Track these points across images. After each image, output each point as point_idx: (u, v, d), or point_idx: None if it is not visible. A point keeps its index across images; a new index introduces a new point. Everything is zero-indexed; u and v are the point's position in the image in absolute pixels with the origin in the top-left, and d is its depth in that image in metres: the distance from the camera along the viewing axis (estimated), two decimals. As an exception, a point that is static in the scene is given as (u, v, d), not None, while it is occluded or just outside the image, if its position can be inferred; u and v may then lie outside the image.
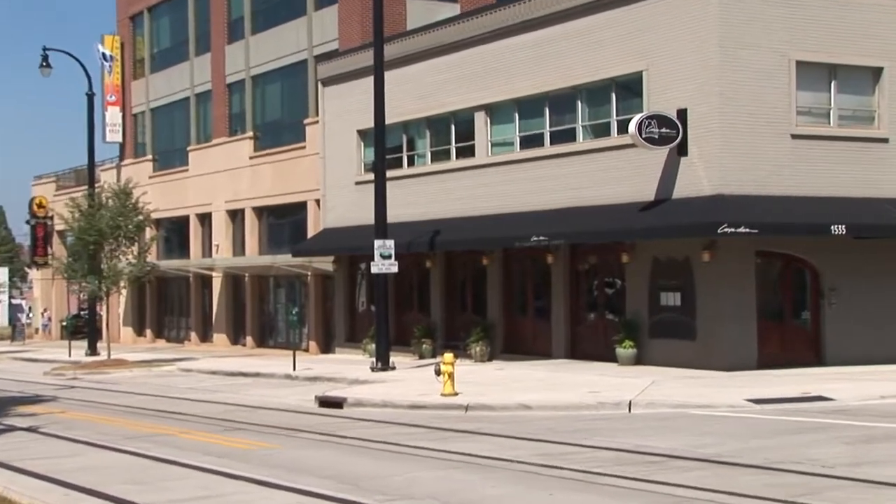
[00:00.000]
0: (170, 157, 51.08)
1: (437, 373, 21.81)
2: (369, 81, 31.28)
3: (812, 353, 26.45)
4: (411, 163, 35.19)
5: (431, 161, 34.27)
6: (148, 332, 52.17)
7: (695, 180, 25.58)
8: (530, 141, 30.72)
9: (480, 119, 32.12)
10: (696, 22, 25.56)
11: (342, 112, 37.53)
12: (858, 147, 26.41)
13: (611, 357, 27.54)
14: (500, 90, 31.18)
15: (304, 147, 40.99)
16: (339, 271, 37.94)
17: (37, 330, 62.33)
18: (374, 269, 29.34)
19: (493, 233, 30.33)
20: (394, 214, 31.84)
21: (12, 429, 19.36)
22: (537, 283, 31.18)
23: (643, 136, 25.30)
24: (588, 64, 28.39)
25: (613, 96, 28.06)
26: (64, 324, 57.17)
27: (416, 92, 34.16)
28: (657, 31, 26.44)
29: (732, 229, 24.08)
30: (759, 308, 25.78)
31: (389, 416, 19.94)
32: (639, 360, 27.04)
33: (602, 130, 28.53)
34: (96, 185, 43.56)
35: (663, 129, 25.43)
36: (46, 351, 47.19)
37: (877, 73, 26.64)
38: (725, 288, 25.44)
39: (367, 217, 32.69)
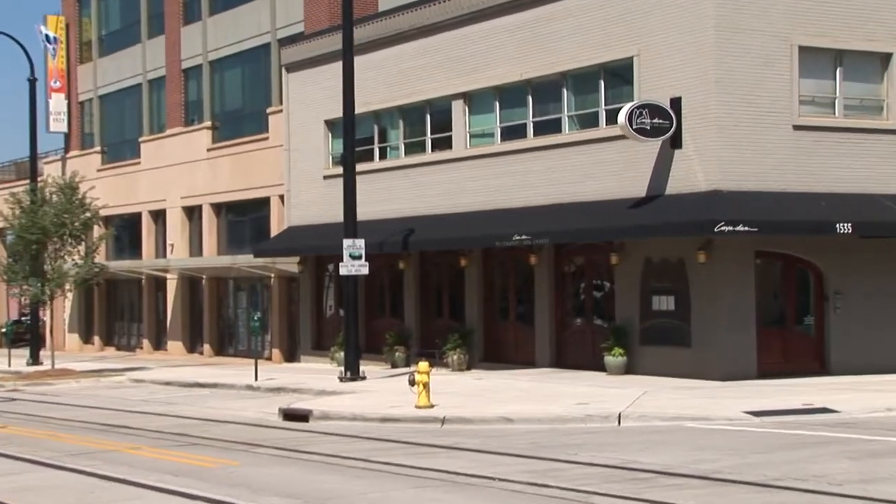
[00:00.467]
0: (120, 149, 50.85)
1: (412, 383, 21.78)
2: (338, 67, 31.21)
3: (815, 362, 26.57)
4: (383, 156, 35.15)
5: (405, 154, 34.24)
6: (96, 339, 51.91)
7: (689, 175, 25.66)
8: (512, 132, 30.73)
9: (458, 108, 32.12)
10: (691, 4, 25.64)
11: (308, 100, 37.46)
12: (866, 139, 26.55)
13: (599, 366, 27.58)
14: (479, 77, 31.19)
15: (266, 138, 40.88)
16: (304, 273, 37.87)
17: (-26, 337, 61.93)
18: (342, 271, 29.29)
19: (472, 231, 30.33)
20: (364, 211, 31.79)
21: (-53, 445, 19.21)
22: (519, 286, 31.20)
23: (634, 126, 25.35)
24: (575, 49, 28.43)
25: (602, 84, 28.11)
26: (3, 330, 56.80)
27: (388, 79, 34.13)
28: (649, 13, 26.51)
29: (730, 228, 24.16)
30: (758, 313, 25.88)
31: (359, 429, 19.90)
32: (629, 369, 27.09)
33: (589, 121, 28.57)
34: (39, 178, 43.31)
35: (655, 120, 25.49)
36: (-15, 360, 46.87)
37: (885, 59, 26.79)
38: (723, 291, 25.53)
39: (336, 214, 32.61)
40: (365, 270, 29.36)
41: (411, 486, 13.68)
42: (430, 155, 33.24)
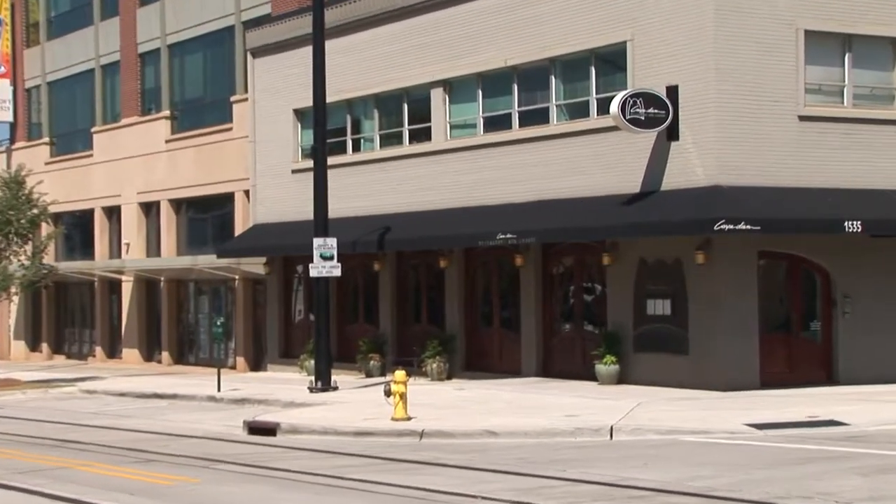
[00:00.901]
0: (71, 141, 50.66)
1: (387, 393, 21.79)
2: (307, 52, 31.18)
3: (822, 371, 26.68)
4: (357, 148, 35.14)
5: (380, 146, 34.23)
6: (44, 346, 51.69)
7: (687, 169, 25.73)
8: (496, 123, 30.76)
9: (438, 97, 32.14)
10: (690, -15, 25.74)
11: (275, 88, 37.41)
12: (877, 130, 26.67)
13: (589, 375, 27.64)
14: (460, 63, 31.21)
15: (230, 129, 40.80)
16: (271, 275, 37.81)
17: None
18: (313, 273, 29.26)
19: (453, 230, 30.35)
20: (336, 208, 31.76)
21: None
22: (504, 289, 31.23)
23: (627, 117, 25.41)
24: (564, 33, 28.48)
25: (593, 70, 28.16)
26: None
27: (362, 65, 34.12)
28: (644, -6, 26.61)
29: (731, 226, 24.23)
30: (761, 318, 25.97)
31: (331, 444, 19.89)
32: (622, 379, 27.15)
33: (580, 111, 28.62)
34: (-17, 172, 43.09)
35: (650, 110, 25.55)
36: (-77, 369, 46.67)
37: (897, 45, 26.93)
38: (723, 294, 25.61)
39: (306, 211, 32.57)
40: (337, 272, 29.33)
41: (387, 505, 13.69)
42: (407, 147, 33.23)
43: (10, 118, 53.35)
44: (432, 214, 31.64)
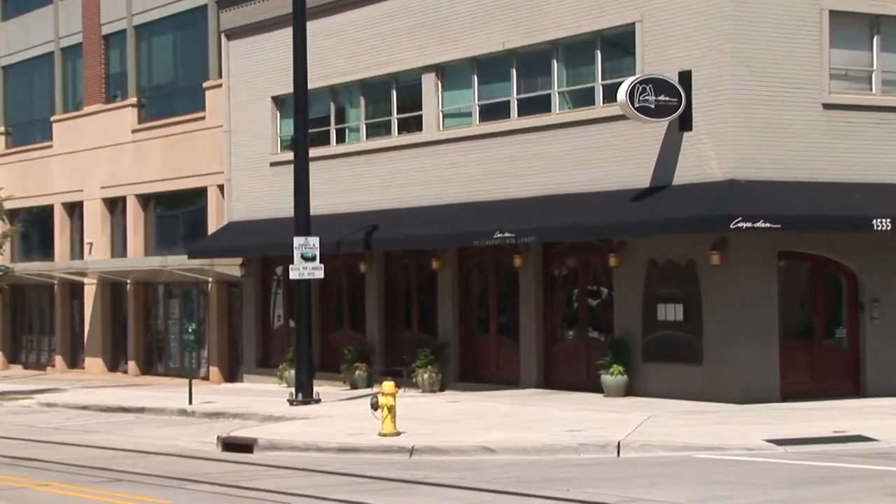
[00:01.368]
0: (28, 131, 50.59)
1: (374, 406, 21.79)
2: (288, 34, 31.17)
3: (849, 382, 26.72)
4: (341, 139, 35.13)
5: (367, 136, 34.23)
6: None
7: (701, 162, 25.76)
8: (493, 111, 30.77)
9: (429, 83, 32.14)
10: (704, -39, 25.77)
11: (253, 73, 37.40)
12: (907, 120, 26.73)
13: (595, 386, 27.66)
14: (454, 46, 31.23)
15: (203, 118, 40.77)
16: (248, 277, 37.80)
17: None
18: (293, 275, 29.25)
19: (446, 228, 30.36)
20: (319, 204, 31.75)
21: None
22: (501, 293, 31.24)
23: (635, 105, 25.43)
24: (567, 13, 28.50)
25: (598, 55, 28.18)
26: None
27: (347, 48, 34.12)
28: (654, -29, 26.65)
29: (749, 224, 24.26)
30: (781, 324, 26.00)
31: (313, 461, 19.89)
32: (630, 390, 27.18)
33: (584, 98, 28.63)
34: (-67, 165, 43.08)
35: (661, 97, 25.57)
36: None
37: (930, 26, 26.96)
38: (740, 298, 25.64)
39: (285, 207, 32.55)
40: (319, 274, 29.32)
41: (373, 528, 13.70)
42: (396, 138, 33.23)
43: (-38, 106, 53.26)
44: (423, 211, 31.64)
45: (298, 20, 29.25)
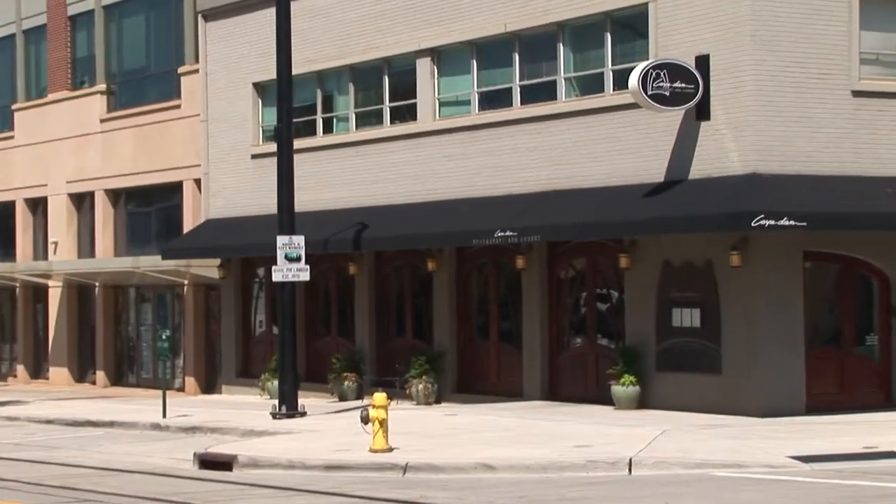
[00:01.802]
0: (-12, 120, 50.58)
1: (365, 420, 21.80)
2: (270, 14, 31.17)
3: (881, 393, 26.75)
4: (329, 129, 35.14)
5: (357, 126, 34.25)
6: (-43, 364, 51.66)
7: (720, 154, 25.78)
8: (493, 99, 30.79)
9: (425, 68, 32.16)
10: (723, -65, 25.80)
11: (232, 57, 37.40)
12: (944, 109, 26.75)
13: (604, 398, 27.69)
14: (451, 28, 31.25)
15: (178, 106, 40.77)
16: (227, 279, 37.81)
17: None
18: (276, 277, 29.25)
19: (442, 226, 30.38)
20: (305, 200, 31.76)
21: None
22: (503, 297, 31.26)
23: (649, 92, 25.45)
24: (574, -8, 28.56)
25: (608, 37, 28.20)
26: None
27: (335, 30, 34.14)
28: (669, -53, 26.68)
29: (772, 222, 24.28)
30: (807, 331, 26.03)
31: (297, 480, 19.89)
32: (643, 402, 27.21)
33: (592, 85, 28.65)
34: None
35: (676, 84, 25.60)
36: None
37: (968, 7, 26.99)
38: (762, 303, 25.66)
39: (268, 204, 32.55)
40: (305, 276, 29.32)
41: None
42: (388, 128, 33.24)
43: (-85, 93, 53.22)
44: (418, 208, 31.65)
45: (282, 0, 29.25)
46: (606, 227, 27.23)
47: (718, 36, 25.83)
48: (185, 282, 40.18)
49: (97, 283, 44.02)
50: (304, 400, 29.93)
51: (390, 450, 21.39)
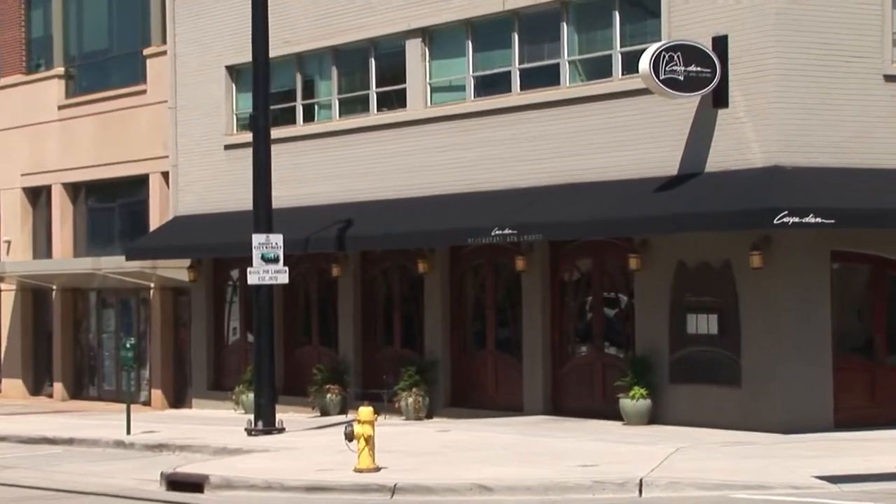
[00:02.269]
0: (-65, 106, 50.54)
1: (349, 437, 21.79)
2: (245, -9, 31.18)
3: (915, 407, 26.81)
4: (310, 117, 35.14)
5: (340, 114, 34.25)
6: None
7: (739, 144, 25.80)
8: (490, 84, 30.80)
9: (415, 50, 32.16)
10: None
11: (203, 38, 37.38)
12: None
13: (612, 412, 27.71)
14: (444, 6, 31.26)
15: (144, 92, 40.76)
16: (198, 282, 37.80)
17: None
18: (251, 279, 29.24)
19: (434, 224, 30.38)
20: (284, 195, 31.76)
21: None
22: (501, 302, 31.27)
23: (661, 77, 25.47)
24: (579, -33, 28.61)
25: (617, 16, 28.22)
26: None
27: (317, 8, 34.13)
28: (683, -83, 26.70)
29: (796, 219, 24.29)
30: (835, 338, 26.05)
31: (276, 502, 19.86)
32: (654, 417, 27.24)
33: (599, 68, 28.66)
34: None
35: (692, 68, 25.61)
36: None
37: None
38: (785, 308, 25.68)
39: (242, 199, 32.54)
40: (284, 278, 29.31)
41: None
42: (375, 116, 33.25)
43: None
44: (408, 203, 31.66)
45: (258, -25, 29.28)
46: (615, 225, 27.23)
47: (738, 14, 25.85)
48: (152, 285, 40.14)
49: (54, 287, 43.98)
50: (283, 415, 29.92)
51: (377, 469, 21.39)
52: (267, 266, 29.07)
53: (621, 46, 28.10)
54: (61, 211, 44.18)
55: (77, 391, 43.76)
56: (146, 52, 40.72)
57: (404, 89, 32.49)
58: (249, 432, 28.62)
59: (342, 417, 31.09)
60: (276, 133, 31.04)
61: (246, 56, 31.42)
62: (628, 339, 28.48)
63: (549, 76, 29.52)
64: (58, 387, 44.02)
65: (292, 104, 35.21)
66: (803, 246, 25.73)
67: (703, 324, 26.88)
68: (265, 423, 28.79)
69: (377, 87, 33.32)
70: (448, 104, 31.66)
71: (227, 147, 36.59)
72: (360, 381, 33.61)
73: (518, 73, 30.14)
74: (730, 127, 25.96)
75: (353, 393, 33.08)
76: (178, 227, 37.91)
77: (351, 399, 32.62)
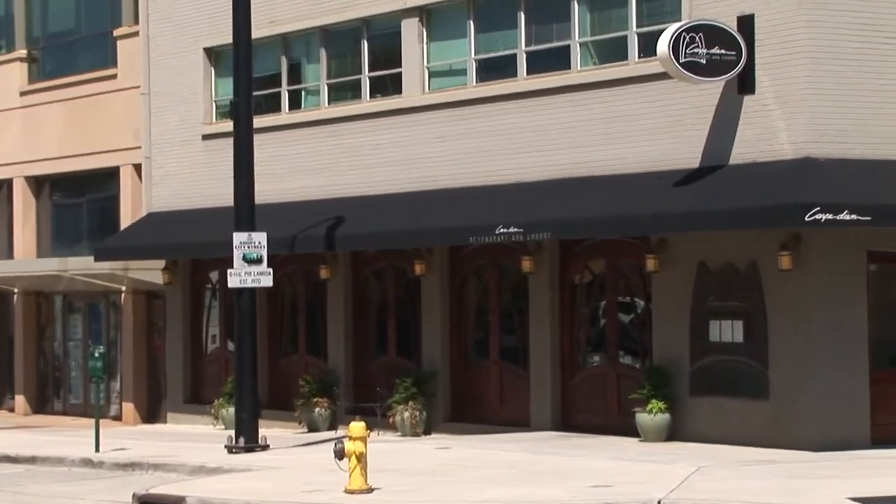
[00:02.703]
0: None
1: (340, 455, 21.81)
2: (225, -34, 31.21)
3: (959, 422, 26.84)
4: (296, 104, 35.16)
5: (330, 101, 34.28)
6: None
7: (767, 134, 25.82)
8: (494, 68, 30.83)
9: (411, 31, 32.18)
10: None
11: (179, 18, 37.41)
12: None
13: (628, 428, 27.74)
14: (444, -18, 31.35)
15: (114, 76, 40.77)
16: (174, 285, 37.82)
17: None
18: (232, 282, 29.25)
19: (432, 221, 30.40)
20: (268, 190, 31.78)
21: None
22: (506, 307, 31.30)
23: (681, 60, 25.48)
24: (591, -60, 28.66)
25: (633, -6, 28.31)
26: None
27: (303, -16, 34.19)
28: None
29: (829, 216, 24.31)
30: (872, 347, 26.07)
31: (258, 527, 19.95)
32: (674, 433, 27.26)
33: (614, 51, 28.70)
34: None
35: (715, 50, 25.63)
36: None
37: None
38: (817, 314, 25.70)
39: (222, 194, 32.57)
40: (268, 281, 29.32)
41: None
42: (368, 103, 33.27)
43: None
44: (404, 199, 31.68)
45: (240, -52, 29.32)
46: (630, 223, 27.25)
47: (765, -8, 25.92)
48: (123, 288, 40.16)
49: (16, 290, 44.00)
50: (267, 431, 29.94)
51: (370, 490, 21.41)
52: (249, 267, 29.07)
53: (638, 27, 28.13)
54: (23, 207, 44.19)
55: (41, 405, 43.78)
56: (116, 32, 40.73)
57: (400, 74, 32.52)
58: (230, 450, 28.63)
59: (332, 433, 31.11)
60: (258, 122, 31.03)
61: (226, 37, 31.40)
62: (645, 347, 28.52)
63: (559, 59, 29.54)
64: (19, 400, 44.03)
65: (277, 90, 35.24)
66: (837, 245, 25.76)
67: (727, 331, 26.90)
68: (247, 439, 28.79)
69: (370, 71, 33.35)
70: (447, 90, 31.68)
71: (206, 137, 36.61)
72: (352, 393, 33.63)
73: (524, 55, 30.17)
74: (756, 115, 25.99)
75: (344, 407, 33.08)
76: (151, 224, 37.92)
77: (341, 413, 32.63)
